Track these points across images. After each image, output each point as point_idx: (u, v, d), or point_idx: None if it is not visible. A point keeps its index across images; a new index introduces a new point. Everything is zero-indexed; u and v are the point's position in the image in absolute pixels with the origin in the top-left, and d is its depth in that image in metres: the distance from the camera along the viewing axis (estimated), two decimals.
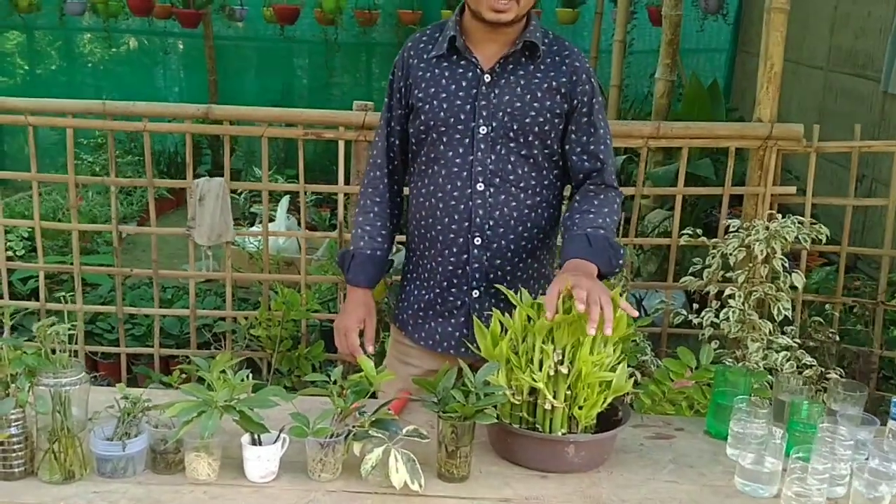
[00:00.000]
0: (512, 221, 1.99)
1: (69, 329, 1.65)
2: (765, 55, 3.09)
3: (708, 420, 1.95)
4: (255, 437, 1.64)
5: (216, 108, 3.16)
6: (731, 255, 2.93)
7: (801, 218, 2.80)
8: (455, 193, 1.98)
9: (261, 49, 7.91)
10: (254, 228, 4.97)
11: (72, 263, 3.35)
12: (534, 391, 1.73)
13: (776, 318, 2.80)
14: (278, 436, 1.65)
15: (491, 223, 1.98)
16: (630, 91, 7.17)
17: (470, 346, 1.85)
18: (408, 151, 2.10)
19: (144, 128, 3.17)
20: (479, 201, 1.97)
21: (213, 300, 4.01)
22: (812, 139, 3.12)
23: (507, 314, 1.90)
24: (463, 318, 2.05)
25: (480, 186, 1.97)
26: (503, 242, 2.00)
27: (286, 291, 3.15)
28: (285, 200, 5.05)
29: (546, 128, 1.97)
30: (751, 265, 2.95)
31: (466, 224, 1.97)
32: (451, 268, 2.02)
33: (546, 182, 2.02)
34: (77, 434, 1.60)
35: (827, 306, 3.19)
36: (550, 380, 1.69)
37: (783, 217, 2.86)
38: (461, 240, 1.99)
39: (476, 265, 2.00)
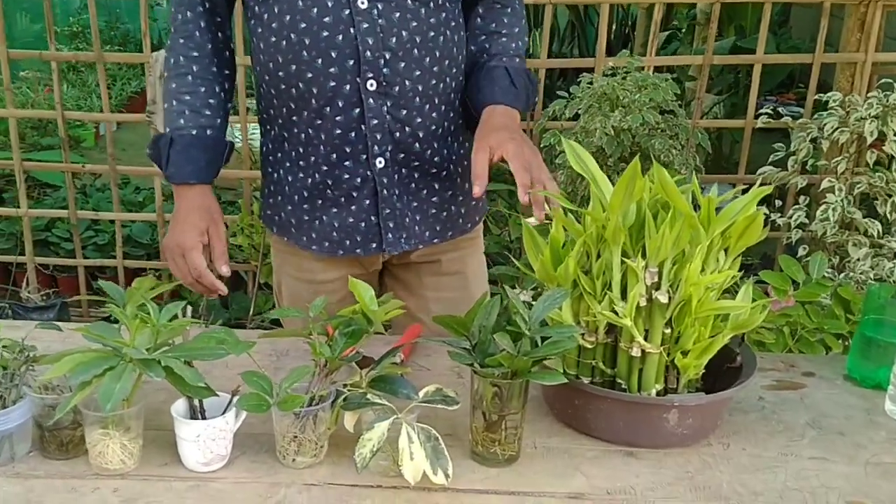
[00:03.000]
0: (415, 50, 1.40)
1: None
2: None
3: (850, 360, 1.38)
4: (195, 404, 1.08)
5: None
6: (825, 138, 2.33)
7: None
8: (327, 20, 1.35)
9: None
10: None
11: (11, 158, 2.77)
12: (612, 329, 1.16)
13: (889, 216, 2.23)
14: (230, 402, 1.09)
15: (387, 55, 1.38)
16: None
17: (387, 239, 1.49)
18: None
19: None
20: (366, 26, 1.36)
21: None
22: None
23: (426, 192, 1.50)
24: (367, 201, 1.47)
25: (363, 3, 1.35)
26: (407, 83, 1.40)
27: None
28: None
29: None
30: (850, 152, 2.36)
31: (352, 62, 1.37)
32: (338, 131, 1.42)
33: None
34: None
35: None
36: (641, 313, 1.12)
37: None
38: (347, 86, 1.38)
39: (375, 120, 1.41)
